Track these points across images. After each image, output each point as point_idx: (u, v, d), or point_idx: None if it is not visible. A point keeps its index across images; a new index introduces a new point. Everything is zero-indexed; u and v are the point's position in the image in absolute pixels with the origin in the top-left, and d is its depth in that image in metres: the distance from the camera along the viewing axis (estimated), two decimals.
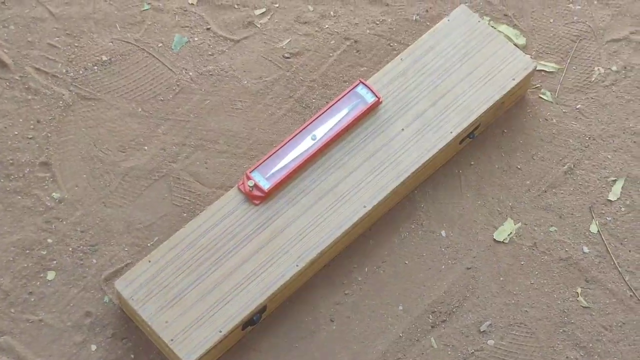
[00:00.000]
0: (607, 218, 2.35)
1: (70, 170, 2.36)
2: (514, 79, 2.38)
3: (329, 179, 2.25)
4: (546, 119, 2.48)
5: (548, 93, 2.51)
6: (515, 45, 2.51)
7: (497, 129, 2.46)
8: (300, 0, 2.63)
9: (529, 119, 2.48)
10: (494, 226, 2.33)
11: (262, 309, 2.14)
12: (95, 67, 2.50)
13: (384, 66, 2.43)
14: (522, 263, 2.29)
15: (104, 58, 2.51)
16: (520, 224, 2.34)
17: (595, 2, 2.66)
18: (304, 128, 2.29)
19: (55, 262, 2.24)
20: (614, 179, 2.41)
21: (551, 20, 2.63)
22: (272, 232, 2.18)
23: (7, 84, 2.45)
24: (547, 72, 2.55)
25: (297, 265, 2.15)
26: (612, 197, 2.38)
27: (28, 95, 2.44)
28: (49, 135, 2.39)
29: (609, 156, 2.44)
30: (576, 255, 2.31)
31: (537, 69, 2.51)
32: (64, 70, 2.48)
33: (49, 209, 2.30)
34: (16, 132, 2.39)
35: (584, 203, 2.37)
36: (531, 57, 2.51)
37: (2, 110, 2.41)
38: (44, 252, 2.25)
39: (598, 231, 2.33)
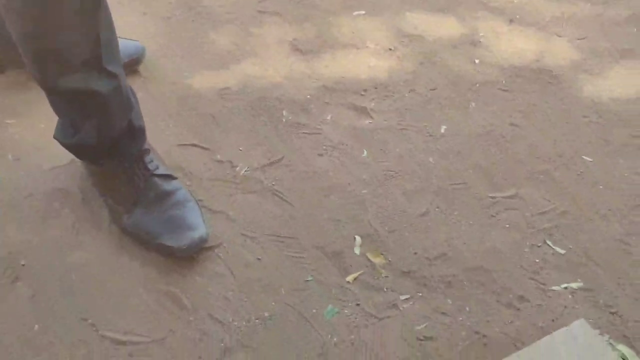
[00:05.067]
0: None
1: None
2: None
3: None
4: None
5: None
6: None
7: None
8: (442, 294, 3.00)
9: None
10: None
11: None
12: (257, 321, 2.92)
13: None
14: None
15: (266, 314, 2.94)
16: None
17: None
18: None
19: None
20: None
21: None
22: None
23: (183, 324, 2.91)
24: None
25: None
26: None
27: (197, 335, 2.88)
28: None
29: None
30: None
31: None
32: (230, 319, 2.92)
33: None
34: None
35: None
36: None
37: (172, 343, 2.86)
38: None
39: None
